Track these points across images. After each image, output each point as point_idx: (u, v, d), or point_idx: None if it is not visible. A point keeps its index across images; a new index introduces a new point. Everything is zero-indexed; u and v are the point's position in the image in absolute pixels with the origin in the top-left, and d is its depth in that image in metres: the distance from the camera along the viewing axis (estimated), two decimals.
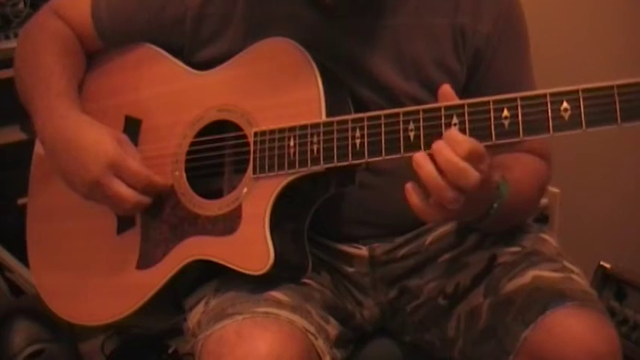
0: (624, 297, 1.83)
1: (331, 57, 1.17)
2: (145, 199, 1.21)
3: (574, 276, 1.17)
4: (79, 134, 1.21)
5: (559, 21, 1.98)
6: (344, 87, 1.17)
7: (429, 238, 1.28)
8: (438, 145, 0.97)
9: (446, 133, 0.97)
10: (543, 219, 2.14)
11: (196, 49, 1.25)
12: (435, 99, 1.02)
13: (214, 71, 1.23)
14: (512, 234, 1.26)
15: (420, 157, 0.98)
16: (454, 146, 0.95)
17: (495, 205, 1.08)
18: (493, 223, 1.11)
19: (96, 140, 1.20)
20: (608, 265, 1.85)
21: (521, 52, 1.27)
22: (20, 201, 1.49)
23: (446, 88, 1.00)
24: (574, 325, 1.05)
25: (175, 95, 1.26)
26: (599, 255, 1.88)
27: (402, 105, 1.07)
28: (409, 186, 0.99)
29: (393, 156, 1.04)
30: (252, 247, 1.13)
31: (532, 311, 1.08)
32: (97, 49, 1.34)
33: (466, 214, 1.06)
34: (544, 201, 2.13)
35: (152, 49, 1.29)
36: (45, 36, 1.32)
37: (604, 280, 1.86)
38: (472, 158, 0.95)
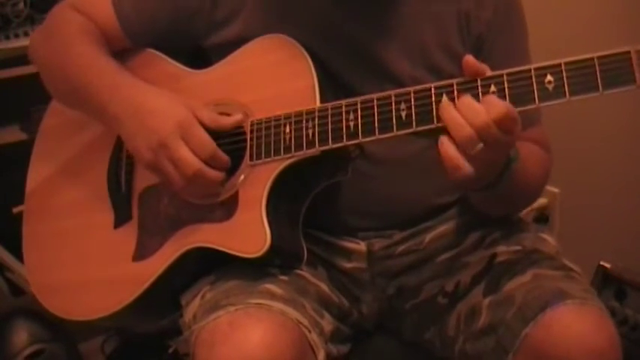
0: (624, 297, 1.83)
1: (342, 44, 1.20)
2: (207, 170, 1.16)
3: (573, 274, 1.18)
4: (151, 99, 1.20)
5: (557, 16, 1.99)
6: (336, 82, 1.19)
7: (428, 237, 1.28)
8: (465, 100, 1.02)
9: (484, 98, 1.02)
10: (543, 219, 2.13)
11: (212, 32, 1.25)
12: None
13: (211, 69, 1.26)
14: (512, 233, 1.27)
15: (444, 102, 1.03)
16: (488, 108, 1.00)
17: (512, 165, 1.09)
18: (504, 190, 1.11)
19: (168, 104, 1.19)
20: (608, 265, 1.85)
21: (520, 42, 1.28)
22: (15, 210, 1.49)
23: (469, 58, 1.03)
24: (574, 323, 1.05)
25: (174, 93, 1.24)
26: (599, 255, 1.87)
27: None
28: (444, 138, 1.02)
29: (387, 135, 1.08)
30: (248, 231, 1.14)
31: (532, 309, 1.08)
32: (115, 51, 1.32)
33: (484, 171, 1.05)
34: (544, 201, 2.13)
35: (152, 53, 1.31)
36: (72, 29, 1.30)
37: (604, 280, 1.85)
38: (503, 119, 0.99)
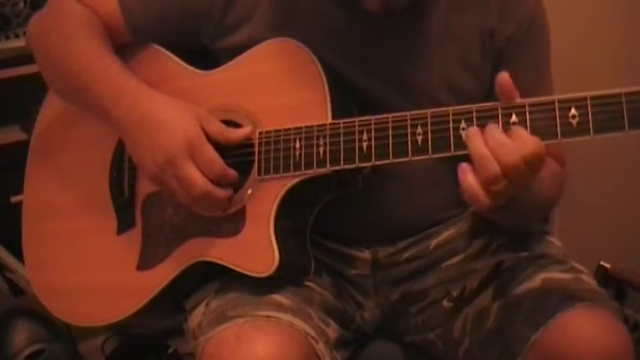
0: (624, 297, 1.84)
1: (351, 57, 1.17)
2: (214, 190, 1.13)
3: (583, 276, 1.17)
4: (157, 110, 1.15)
5: (561, 21, 1.98)
6: (348, 91, 1.16)
7: (433, 242, 1.28)
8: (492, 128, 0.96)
9: (514, 133, 0.96)
10: (543, 219, 2.13)
11: (220, 37, 1.22)
12: (459, 104, 1.01)
13: (218, 70, 1.22)
14: (518, 239, 1.26)
15: (472, 131, 0.97)
16: (519, 144, 0.95)
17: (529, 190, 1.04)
18: (516, 211, 1.07)
19: (176, 116, 1.14)
20: (608, 265, 1.85)
21: (542, 58, 1.25)
22: (14, 199, 1.48)
23: (504, 77, 0.97)
24: (586, 326, 1.05)
25: (180, 95, 1.22)
26: (599, 255, 1.88)
27: (423, 107, 1.05)
28: (465, 166, 0.97)
29: (401, 159, 1.04)
30: (256, 249, 1.12)
31: (542, 314, 1.08)
32: (118, 45, 1.28)
33: (502, 202, 1.00)
34: None
35: (157, 49, 1.27)
36: (73, 22, 1.25)
37: (604, 280, 1.86)
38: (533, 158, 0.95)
